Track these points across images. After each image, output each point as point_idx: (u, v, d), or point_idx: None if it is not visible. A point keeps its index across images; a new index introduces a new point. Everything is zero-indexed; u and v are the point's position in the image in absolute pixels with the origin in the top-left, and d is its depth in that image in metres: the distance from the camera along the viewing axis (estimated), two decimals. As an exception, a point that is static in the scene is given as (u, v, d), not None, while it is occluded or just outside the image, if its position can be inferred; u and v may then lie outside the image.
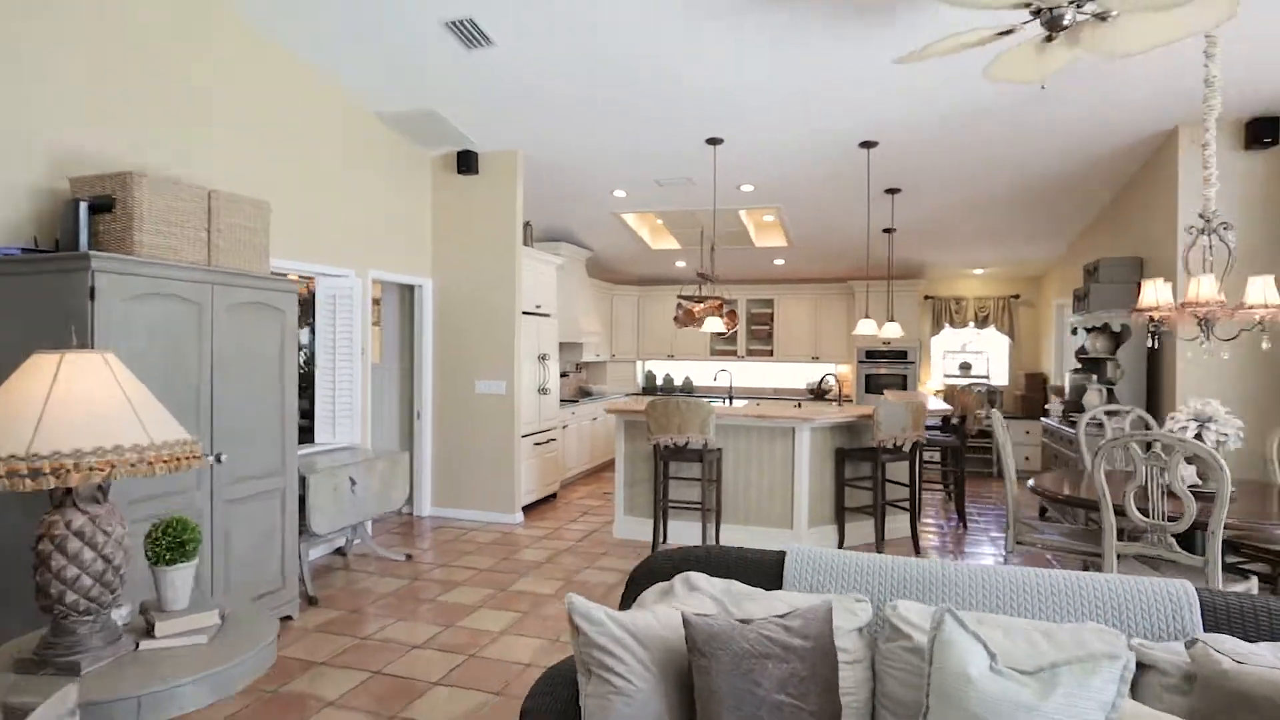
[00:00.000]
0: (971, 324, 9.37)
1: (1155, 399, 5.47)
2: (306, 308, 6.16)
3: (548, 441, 6.96)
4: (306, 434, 5.49)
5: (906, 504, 5.56)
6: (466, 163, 6.05)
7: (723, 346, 10.23)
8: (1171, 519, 3.23)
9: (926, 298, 9.39)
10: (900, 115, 5.13)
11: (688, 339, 10.23)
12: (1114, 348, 5.87)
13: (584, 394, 9.49)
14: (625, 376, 10.55)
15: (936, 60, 4.38)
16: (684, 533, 5.57)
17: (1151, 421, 4.67)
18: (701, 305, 7.65)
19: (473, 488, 6.26)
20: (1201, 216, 3.77)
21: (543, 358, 6.85)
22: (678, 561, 2.49)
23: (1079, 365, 6.53)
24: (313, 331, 5.30)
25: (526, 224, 7.10)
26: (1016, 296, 9.24)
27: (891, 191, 6.55)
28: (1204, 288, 3.64)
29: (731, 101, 5.04)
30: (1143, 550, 3.34)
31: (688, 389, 10.42)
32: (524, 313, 6.40)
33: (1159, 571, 3.50)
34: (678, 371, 10.76)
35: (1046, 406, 8.27)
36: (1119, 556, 3.41)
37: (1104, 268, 5.87)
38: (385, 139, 5.70)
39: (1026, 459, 8.74)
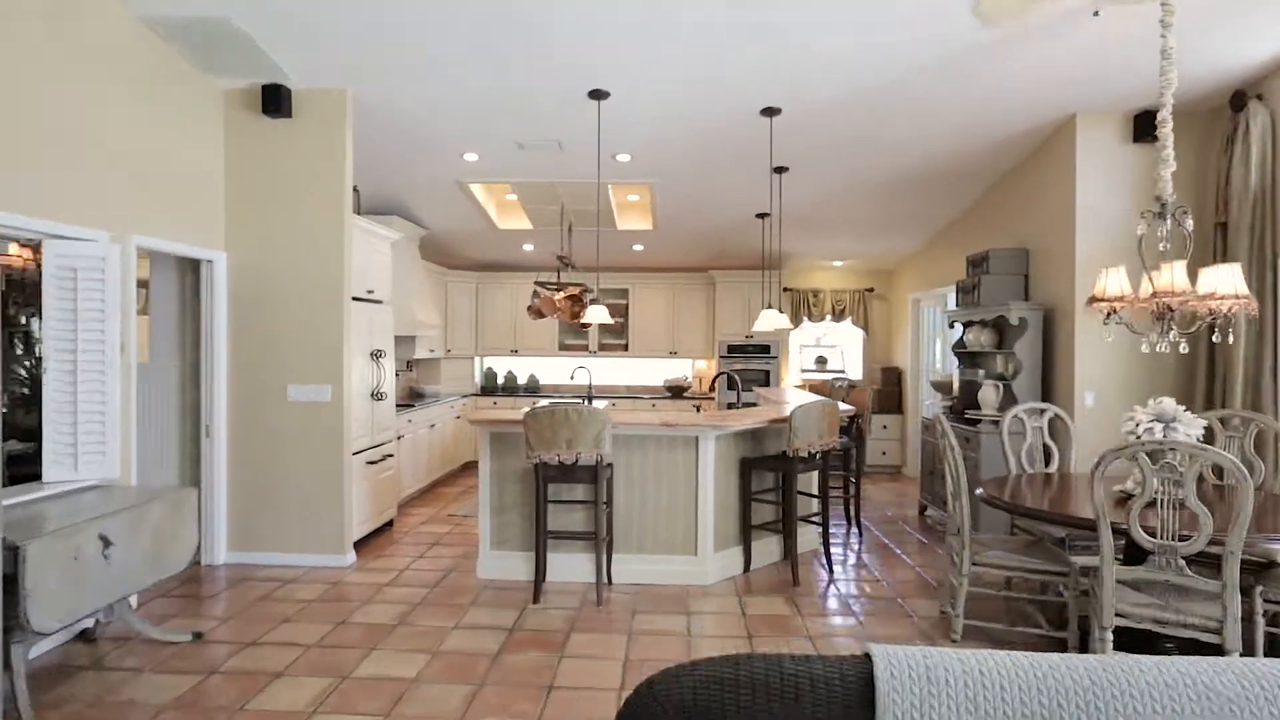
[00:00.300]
0: (829, 317, 9.19)
1: (1049, 393, 5.32)
2: (27, 285, 4.46)
3: (384, 459, 5.65)
4: (24, 464, 3.89)
5: (816, 518, 4.99)
6: (276, 101, 4.61)
7: (573, 340, 9.30)
8: (1182, 538, 2.81)
9: (785, 289, 9.07)
10: (805, 82, 4.51)
11: (534, 333, 9.18)
12: (999, 341, 5.71)
13: (417, 396, 8.14)
14: (461, 375, 9.29)
15: (859, 23, 3.80)
16: (568, 568, 4.59)
17: (1068, 419, 4.42)
18: (561, 294, 6.73)
19: (287, 525, 4.84)
20: (1158, 199, 3.44)
21: (377, 355, 5.53)
22: (698, 691, 1.56)
23: (959, 360, 6.39)
24: (36, 317, 3.68)
25: (354, 189, 5.75)
26: (871, 290, 9.19)
27: (779, 170, 5.98)
28: (1177, 276, 3.30)
29: (620, 47, 4.12)
30: (1147, 575, 2.91)
31: (533, 388, 9.37)
32: (354, 299, 5.07)
33: (1142, 593, 3.10)
34: (521, 368, 9.67)
35: (929, 402, 8.22)
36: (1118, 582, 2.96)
37: (995, 259, 5.67)
38: (158, 57, 4.14)
39: (884, 454, 8.68)
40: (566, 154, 5.70)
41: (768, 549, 4.96)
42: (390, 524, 5.90)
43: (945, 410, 6.26)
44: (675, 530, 4.62)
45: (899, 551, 5.34)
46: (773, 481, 4.98)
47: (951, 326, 6.51)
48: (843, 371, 9.34)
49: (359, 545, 5.22)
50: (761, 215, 7.16)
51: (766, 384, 8.68)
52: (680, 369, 9.51)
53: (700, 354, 9.12)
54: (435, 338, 8.43)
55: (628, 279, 9.14)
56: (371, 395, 5.45)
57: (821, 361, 9.40)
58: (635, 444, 4.61)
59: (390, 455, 5.78)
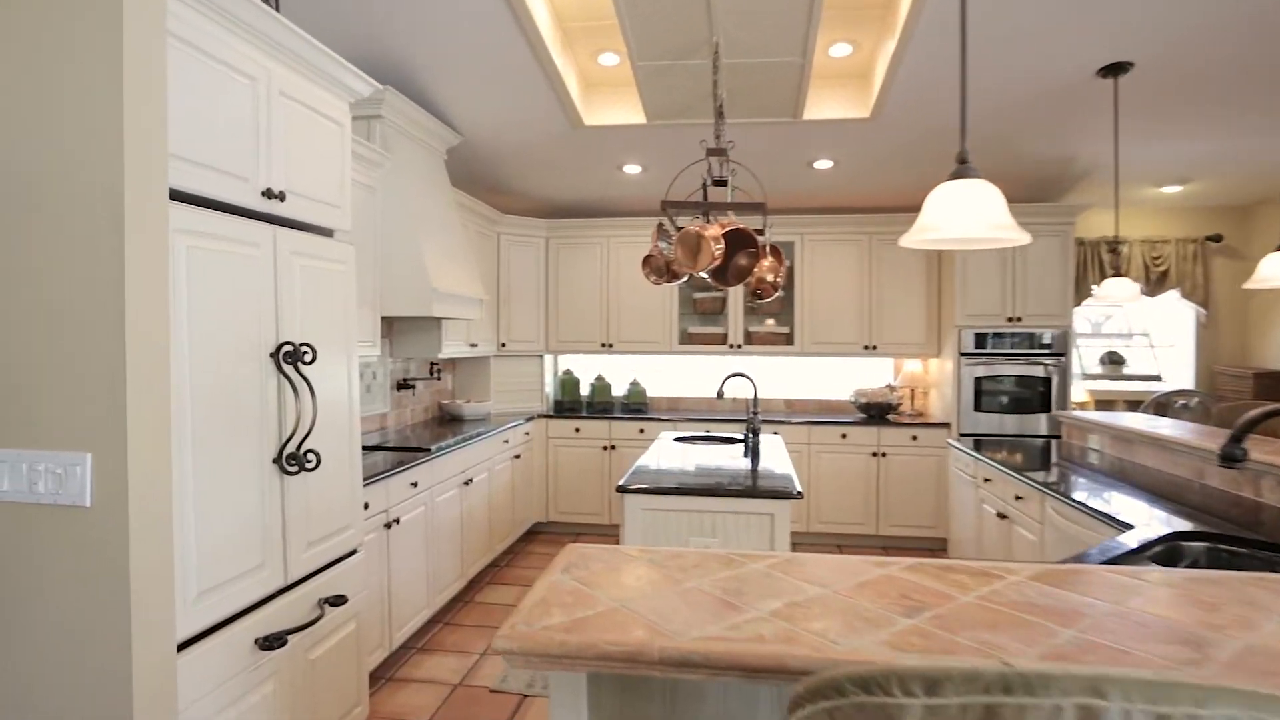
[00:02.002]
0: (1140, 285, 5.44)
1: None
2: None
3: (311, 622, 2.31)
4: None
5: None
6: None
7: (699, 328, 5.85)
8: None
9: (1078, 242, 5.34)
10: None
11: (640, 316, 5.78)
12: None
13: (449, 419, 4.88)
14: (524, 384, 5.95)
15: None
16: None
17: None
18: (712, 228, 3.39)
19: None
20: None
21: (290, 357, 2.19)
22: None
23: None
24: None
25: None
26: (1217, 238, 5.37)
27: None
28: None
29: None
30: None
31: (638, 405, 5.96)
32: (185, 197, 1.74)
33: None
34: (617, 372, 6.30)
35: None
36: None
37: None
38: None
39: None
40: None
41: None
42: (352, 741, 2.59)
43: None
44: None
45: None
46: None
47: None
48: (1156, 377, 5.57)
49: None
50: (1112, 70, 3.52)
51: (1045, 404, 5.00)
52: (879, 372, 5.94)
53: (916, 349, 5.51)
54: (481, 326, 5.14)
55: (795, 225, 5.61)
56: (279, 462, 2.12)
57: (1115, 362, 5.65)
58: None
59: (336, 603, 2.42)
